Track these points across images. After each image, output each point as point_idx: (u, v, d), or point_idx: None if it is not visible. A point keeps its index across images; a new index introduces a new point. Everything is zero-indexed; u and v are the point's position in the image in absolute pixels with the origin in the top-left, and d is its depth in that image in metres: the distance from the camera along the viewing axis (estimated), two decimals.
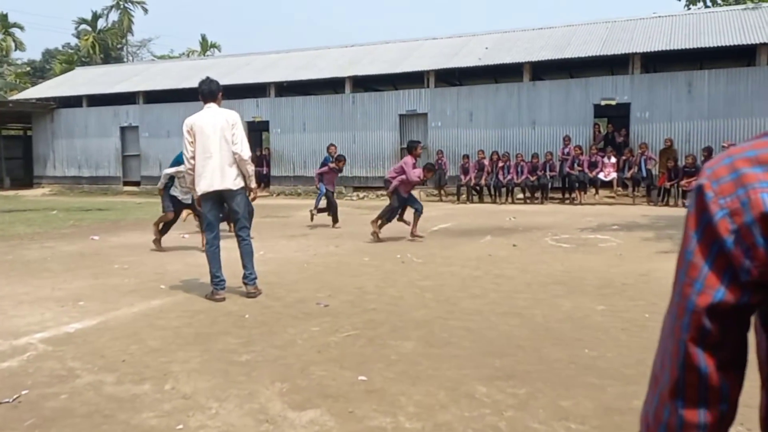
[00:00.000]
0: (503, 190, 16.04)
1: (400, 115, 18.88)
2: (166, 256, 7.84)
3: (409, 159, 9.02)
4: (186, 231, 10.35)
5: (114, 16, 45.71)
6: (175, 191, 8.39)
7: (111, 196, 21.24)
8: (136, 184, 22.88)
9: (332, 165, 11.12)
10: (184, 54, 44.81)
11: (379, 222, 8.98)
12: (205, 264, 5.81)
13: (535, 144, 17.05)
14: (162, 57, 42.72)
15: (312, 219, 10.86)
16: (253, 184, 5.44)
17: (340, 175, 11.65)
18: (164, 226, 8.60)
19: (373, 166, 19.31)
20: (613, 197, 15.31)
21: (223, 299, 5.27)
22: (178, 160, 7.95)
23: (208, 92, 5.36)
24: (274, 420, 2.87)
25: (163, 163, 22.49)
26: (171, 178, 8.33)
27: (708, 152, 13.96)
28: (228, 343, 4.05)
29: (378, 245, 8.53)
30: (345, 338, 4.11)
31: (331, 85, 20.57)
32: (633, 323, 4.35)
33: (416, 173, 9.02)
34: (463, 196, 16.47)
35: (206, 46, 45.86)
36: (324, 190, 10.87)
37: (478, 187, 16.45)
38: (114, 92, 23.20)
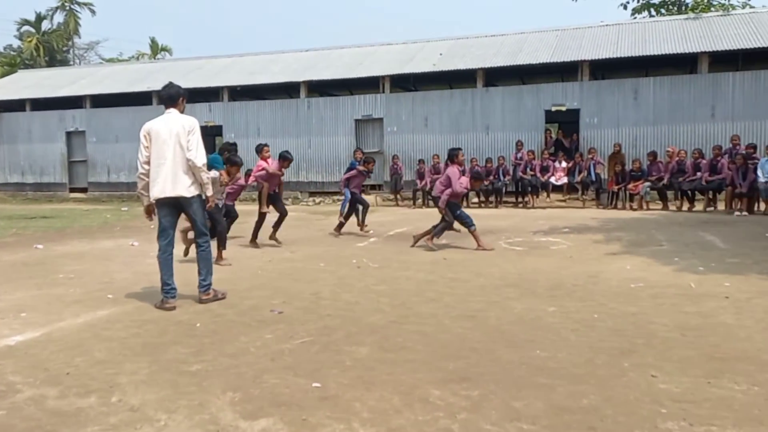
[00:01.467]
0: None
1: (356, 120, 18.91)
2: (113, 264, 7.61)
3: (455, 170, 8.55)
4: (135, 239, 10.08)
5: (59, 17, 44.32)
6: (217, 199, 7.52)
7: (57, 203, 20.54)
8: (83, 190, 22.21)
9: (361, 168, 10.52)
10: (133, 57, 43.70)
11: (434, 238, 8.51)
12: (154, 272, 5.65)
13: (488, 149, 17.32)
14: (111, 60, 41.59)
15: (340, 229, 10.19)
16: (209, 192, 5.35)
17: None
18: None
19: (329, 171, 19.26)
20: (564, 201, 15.67)
21: (174, 308, 5.14)
22: (210, 164, 7.19)
23: (167, 97, 5.29)
24: (225, 430, 2.81)
25: (111, 169, 21.92)
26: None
27: (653, 156, 14.44)
28: (178, 353, 3.95)
29: (332, 251, 8.49)
30: (299, 345, 4.07)
31: (286, 90, 20.44)
32: (582, 324, 4.44)
33: (462, 184, 8.63)
34: (419, 200, 16.58)
35: (156, 49, 44.87)
36: (349, 195, 10.34)
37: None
38: (59, 96, 22.47)
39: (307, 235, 10.36)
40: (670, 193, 14.02)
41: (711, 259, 7.04)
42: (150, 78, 22.46)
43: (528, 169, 15.77)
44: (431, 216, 13.26)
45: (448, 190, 8.45)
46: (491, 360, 3.68)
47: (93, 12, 45.28)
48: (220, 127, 20.43)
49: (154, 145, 5.15)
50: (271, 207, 9.16)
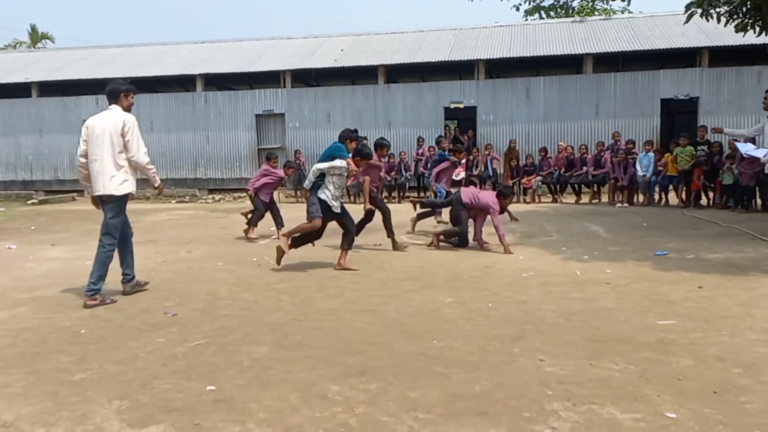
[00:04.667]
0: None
1: (257, 115, 18.50)
2: None
3: (495, 202, 7.60)
4: (12, 241, 9.32)
5: None
6: (324, 193, 6.57)
7: None
8: None
9: (453, 159, 9.33)
10: (9, 45, 40.27)
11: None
12: (33, 277, 5.27)
13: (391, 145, 17.49)
14: None
15: (440, 223, 9.25)
16: (157, 182, 5.48)
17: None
18: (302, 238, 6.83)
19: (229, 167, 18.75)
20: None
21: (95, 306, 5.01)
22: (332, 154, 6.66)
23: (107, 93, 5.36)
24: None
25: None
26: (321, 176, 6.56)
27: (544, 152, 15.21)
28: (59, 362, 3.69)
29: (232, 249, 8.26)
30: (193, 348, 3.92)
31: (181, 83, 19.62)
32: (477, 313, 4.60)
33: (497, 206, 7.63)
34: None
35: (37, 38, 41.61)
36: (444, 192, 9.20)
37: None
38: None
39: (206, 234, 10.02)
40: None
41: (595, 248, 7.52)
42: (29, 68, 20.83)
43: (429, 165, 16.11)
44: None
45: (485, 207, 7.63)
46: (390, 352, 3.73)
47: None
48: None
49: (90, 141, 5.20)
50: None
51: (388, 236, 8.03)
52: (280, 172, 9.62)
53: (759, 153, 7.78)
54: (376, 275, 6.21)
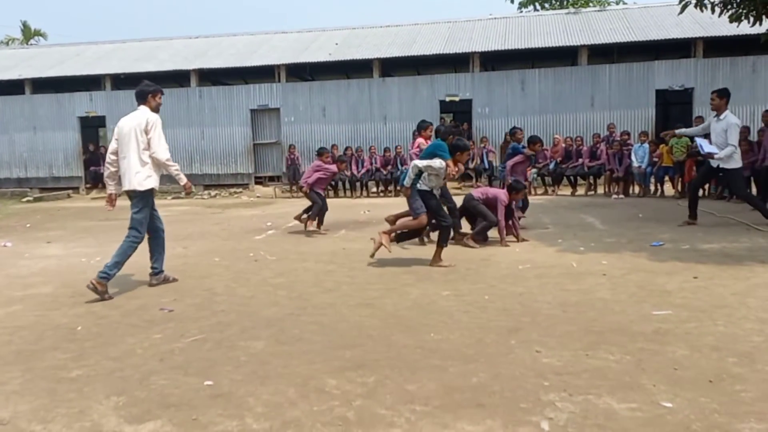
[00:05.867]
0: (358, 184, 16.28)
1: (252, 110, 18.43)
2: None
3: (506, 195, 7.54)
4: (8, 239, 9.29)
5: None
6: (423, 185, 6.41)
7: None
8: None
9: (528, 151, 8.87)
10: (2, 42, 40.02)
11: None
12: (29, 275, 5.26)
13: (386, 138, 17.50)
14: None
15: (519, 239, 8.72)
16: (183, 181, 5.67)
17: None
18: (409, 234, 6.76)
19: (224, 163, 18.68)
20: (459, 188, 16.16)
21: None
22: (433, 152, 6.44)
23: (136, 95, 5.66)
24: None
25: None
26: (419, 174, 6.39)
27: (541, 144, 15.19)
28: (56, 360, 3.68)
29: (228, 245, 8.25)
30: (190, 343, 3.91)
31: (175, 78, 19.52)
32: (474, 305, 4.61)
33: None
34: None
35: (29, 34, 41.35)
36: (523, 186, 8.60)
37: (332, 182, 16.52)
38: None
39: (202, 230, 10.00)
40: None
41: (591, 239, 7.54)
42: (22, 65, 20.71)
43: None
44: (332, 205, 13.21)
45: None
46: (387, 346, 3.73)
47: None
48: (103, 117, 19.19)
49: (120, 140, 5.57)
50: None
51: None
52: (333, 167, 9.67)
53: (714, 149, 7.88)
54: (371, 269, 6.21)
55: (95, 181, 19.65)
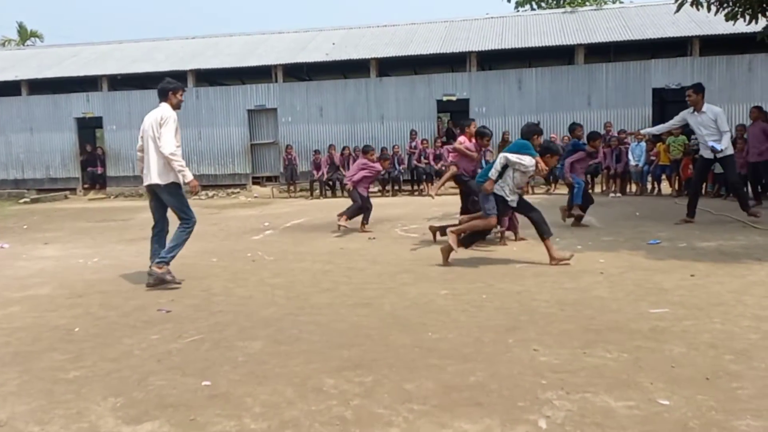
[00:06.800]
0: None
1: (249, 111, 18.42)
2: None
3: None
4: (5, 240, 9.28)
5: None
6: (501, 189, 6.12)
7: None
8: None
9: (589, 148, 8.66)
10: None
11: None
12: (26, 276, 5.25)
13: (383, 138, 17.50)
14: None
15: (571, 216, 8.59)
16: (188, 178, 5.68)
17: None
18: (473, 235, 6.51)
19: (221, 163, 18.67)
20: (456, 188, 16.17)
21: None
22: (516, 151, 6.13)
23: (158, 91, 5.82)
24: None
25: None
26: (504, 169, 6.10)
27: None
28: (53, 361, 3.68)
29: (226, 245, 8.25)
30: (188, 344, 3.91)
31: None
32: (471, 304, 4.61)
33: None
34: (317, 191, 16.48)
35: (25, 35, 41.25)
36: (582, 183, 8.56)
37: (330, 182, 16.54)
38: None
39: (199, 230, 9.96)
40: None
41: (588, 237, 7.55)
42: (19, 66, 20.67)
43: (422, 158, 16.11)
44: (330, 206, 13.20)
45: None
46: (385, 345, 3.73)
47: None
48: (100, 118, 19.17)
49: (143, 136, 5.77)
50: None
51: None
52: (378, 166, 9.54)
53: (717, 145, 7.94)
54: (370, 269, 6.21)
55: (92, 181, 19.64)
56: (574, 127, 9.24)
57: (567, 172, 8.51)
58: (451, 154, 8.07)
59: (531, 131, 6.65)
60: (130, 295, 5.39)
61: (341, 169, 16.41)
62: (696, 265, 5.67)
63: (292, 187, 17.13)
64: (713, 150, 7.98)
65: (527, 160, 6.05)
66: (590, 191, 7.45)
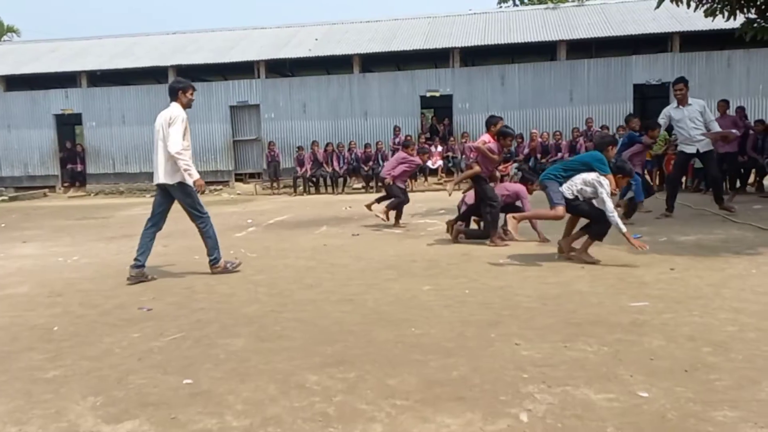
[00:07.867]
0: (339, 180, 16.26)
1: (231, 107, 18.30)
2: None
3: (524, 188, 7.47)
4: None
5: None
6: (570, 189, 5.89)
7: None
8: None
9: (646, 139, 8.29)
10: None
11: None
12: (2, 276, 5.18)
13: (367, 134, 17.49)
14: None
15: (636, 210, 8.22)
16: (195, 177, 5.70)
17: None
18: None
19: (204, 160, 18.49)
20: (440, 183, 16.21)
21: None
22: (587, 162, 5.93)
23: (168, 91, 5.88)
24: None
25: None
26: (561, 174, 5.98)
27: (520, 139, 15.31)
28: (31, 360, 3.63)
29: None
30: (169, 342, 3.88)
31: (153, 75, 19.28)
32: (455, 300, 4.62)
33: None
34: (300, 188, 16.43)
35: (2, 30, 40.52)
36: (639, 179, 8.07)
37: (314, 179, 16.49)
38: None
39: (182, 228, 9.88)
40: None
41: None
42: None
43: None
44: (313, 202, 13.16)
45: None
46: (367, 341, 3.73)
47: None
48: (80, 115, 18.91)
49: (154, 136, 5.83)
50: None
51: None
52: (418, 159, 9.46)
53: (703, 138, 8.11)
54: (353, 265, 6.21)
55: (72, 179, 19.38)
56: (629, 119, 8.76)
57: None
58: (472, 153, 7.95)
59: (605, 142, 6.16)
60: (110, 293, 5.33)
61: (324, 165, 16.37)
62: (675, 259, 5.74)
63: (275, 184, 17.07)
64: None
65: (606, 186, 5.67)
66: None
